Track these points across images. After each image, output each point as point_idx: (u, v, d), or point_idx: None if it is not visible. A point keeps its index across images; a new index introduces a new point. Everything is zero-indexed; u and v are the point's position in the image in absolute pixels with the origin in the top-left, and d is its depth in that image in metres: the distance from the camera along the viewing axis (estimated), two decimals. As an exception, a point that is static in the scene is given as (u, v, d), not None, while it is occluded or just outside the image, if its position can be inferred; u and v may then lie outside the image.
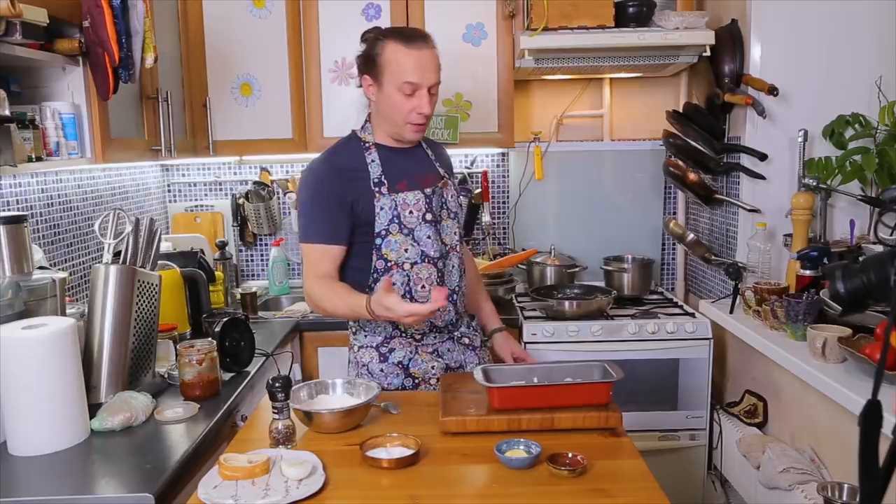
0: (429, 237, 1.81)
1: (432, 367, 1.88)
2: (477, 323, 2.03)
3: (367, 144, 1.83)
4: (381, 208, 1.77)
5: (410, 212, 1.79)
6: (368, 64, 1.77)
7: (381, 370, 1.86)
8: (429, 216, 1.81)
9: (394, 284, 1.79)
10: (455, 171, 2.16)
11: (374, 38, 1.77)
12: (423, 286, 1.82)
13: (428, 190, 1.83)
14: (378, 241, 1.79)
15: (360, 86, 1.83)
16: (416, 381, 1.88)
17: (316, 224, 1.77)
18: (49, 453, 1.50)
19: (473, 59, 2.81)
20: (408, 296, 1.82)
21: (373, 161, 1.80)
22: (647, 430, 2.58)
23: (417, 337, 1.87)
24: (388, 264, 1.81)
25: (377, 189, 1.77)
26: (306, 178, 1.83)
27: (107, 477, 1.43)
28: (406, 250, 1.80)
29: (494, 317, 2.11)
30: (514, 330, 2.56)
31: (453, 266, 1.89)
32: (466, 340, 1.94)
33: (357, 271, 1.82)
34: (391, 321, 1.77)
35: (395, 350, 1.86)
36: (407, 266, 1.81)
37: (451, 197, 1.91)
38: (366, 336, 1.89)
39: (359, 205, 1.77)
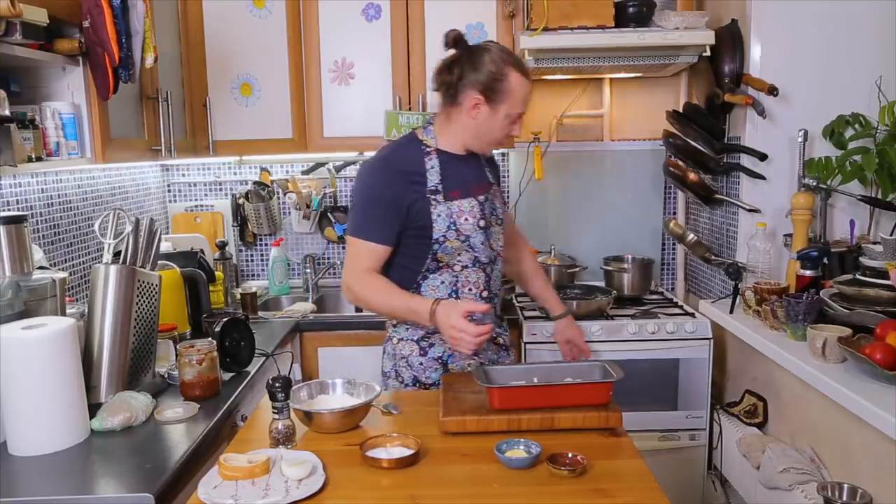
0: (482, 243, 1.86)
1: (469, 365, 1.91)
2: (507, 323, 2.09)
3: (427, 149, 1.84)
4: (439, 215, 1.80)
5: (466, 218, 1.82)
6: (490, 87, 1.76)
7: (421, 363, 1.90)
8: (482, 223, 1.86)
9: (442, 283, 1.85)
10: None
11: (500, 62, 1.76)
12: (469, 289, 1.86)
13: (481, 197, 1.86)
14: (436, 246, 1.82)
15: (452, 98, 1.80)
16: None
17: (370, 224, 1.79)
18: (49, 453, 1.50)
19: (473, 59, 2.80)
20: (453, 296, 1.86)
21: (432, 167, 1.81)
22: (647, 430, 2.58)
23: None
24: (440, 265, 1.85)
25: (433, 197, 1.80)
26: (366, 176, 1.84)
27: (107, 477, 1.43)
28: (460, 255, 1.84)
29: (555, 303, 2.18)
30: (515, 330, 2.57)
31: (498, 271, 1.95)
32: (501, 340, 2.01)
33: (404, 270, 1.84)
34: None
35: (434, 345, 1.91)
36: (457, 268, 1.85)
37: (499, 204, 1.96)
38: (406, 329, 1.92)
39: (414, 208, 1.79)
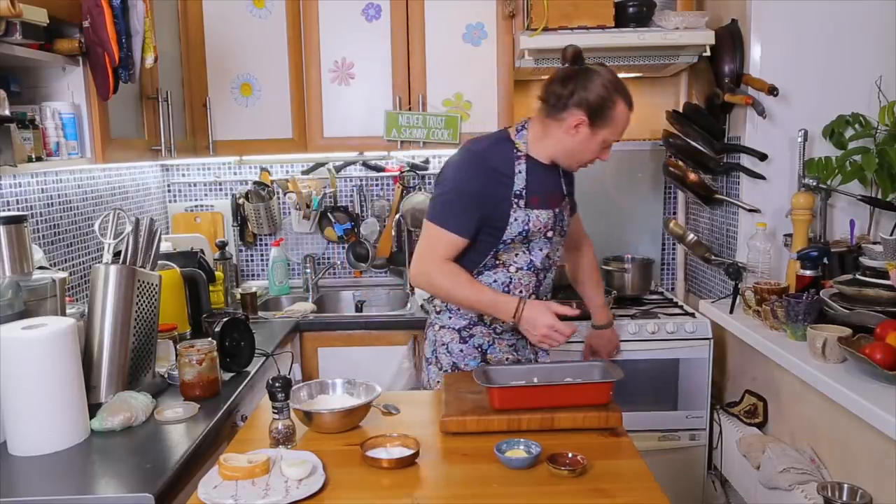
0: (541, 250, 1.91)
1: (507, 358, 1.96)
2: None
3: (518, 153, 1.85)
4: (515, 220, 1.83)
5: (539, 228, 1.86)
6: (597, 110, 1.77)
7: (461, 350, 1.96)
8: (550, 233, 1.90)
9: (495, 282, 1.89)
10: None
11: (611, 88, 1.77)
12: (520, 291, 1.90)
13: (557, 209, 1.90)
14: (500, 246, 1.85)
15: (556, 111, 1.79)
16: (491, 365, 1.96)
17: (455, 215, 1.81)
18: (49, 453, 1.50)
19: (473, 59, 2.81)
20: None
21: (520, 172, 1.83)
22: (647, 430, 2.58)
23: (498, 331, 1.96)
24: (497, 263, 1.89)
25: (516, 201, 1.82)
26: (459, 168, 1.85)
27: (107, 477, 1.43)
28: (517, 255, 1.88)
29: (599, 312, 2.21)
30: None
31: (550, 279, 2.00)
32: None
33: (466, 262, 1.86)
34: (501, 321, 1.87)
35: (475, 336, 1.96)
36: (512, 269, 1.90)
37: (567, 215, 1.98)
38: (450, 318, 1.97)
39: (498, 209, 1.82)
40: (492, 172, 1.82)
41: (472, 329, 1.95)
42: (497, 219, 1.82)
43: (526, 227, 1.84)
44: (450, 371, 1.95)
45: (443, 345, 1.97)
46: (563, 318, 1.80)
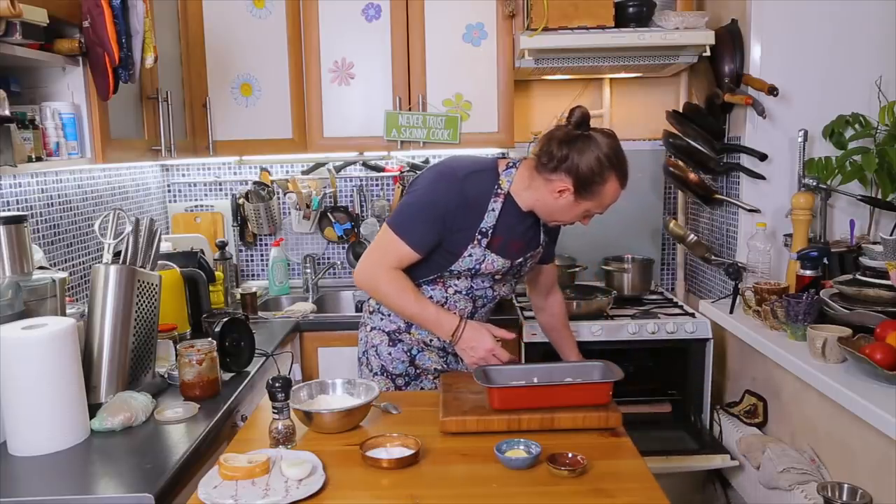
0: (483, 281, 1.89)
1: (434, 368, 1.95)
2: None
3: (499, 190, 1.80)
4: (470, 255, 1.81)
5: (490, 271, 1.84)
6: (584, 182, 1.70)
7: (390, 354, 1.95)
8: (498, 276, 1.88)
9: (430, 298, 1.87)
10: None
11: (605, 164, 1.69)
12: (453, 314, 1.87)
13: (518, 260, 1.86)
14: (447, 273, 1.84)
15: (546, 171, 1.72)
16: (418, 371, 1.95)
17: (415, 227, 1.78)
18: (49, 453, 1.50)
19: (473, 59, 2.81)
20: None
21: (493, 210, 1.79)
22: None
23: (427, 341, 1.94)
24: (437, 280, 1.87)
25: (479, 238, 1.79)
26: (435, 181, 1.80)
27: (107, 477, 1.43)
28: (459, 279, 1.87)
29: (571, 356, 2.13)
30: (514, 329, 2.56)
31: (487, 312, 1.98)
32: None
33: (410, 272, 1.84)
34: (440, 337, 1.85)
35: (403, 341, 1.95)
36: (451, 291, 1.88)
37: (531, 263, 1.94)
38: (381, 320, 1.97)
39: (457, 236, 1.79)
40: (464, 201, 1.76)
41: (401, 335, 1.94)
42: (453, 245, 1.79)
43: (477, 266, 1.81)
44: (379, 374, 1.95)
45: (373, 346, 1.97)
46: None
